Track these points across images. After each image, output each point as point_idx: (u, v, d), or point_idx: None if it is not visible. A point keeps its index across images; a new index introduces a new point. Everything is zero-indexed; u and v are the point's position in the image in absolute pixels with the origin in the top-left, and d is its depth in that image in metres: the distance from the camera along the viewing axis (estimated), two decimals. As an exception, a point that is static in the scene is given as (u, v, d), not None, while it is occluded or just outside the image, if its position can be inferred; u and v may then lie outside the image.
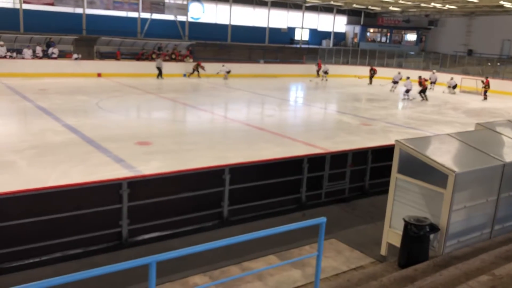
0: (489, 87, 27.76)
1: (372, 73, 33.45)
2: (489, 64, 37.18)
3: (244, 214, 7.93)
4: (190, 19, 40.58)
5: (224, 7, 43.35)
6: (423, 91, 25.89)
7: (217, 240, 3.77)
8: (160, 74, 28.51)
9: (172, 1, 38.48)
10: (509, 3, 34.43)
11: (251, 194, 8.04)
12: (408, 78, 26.50)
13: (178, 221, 7.24)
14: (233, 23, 43.60)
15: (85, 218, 6.46)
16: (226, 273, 5.86)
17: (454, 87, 30.47)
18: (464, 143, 6.54)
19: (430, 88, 29.57)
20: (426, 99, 25.56)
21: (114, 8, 36.00)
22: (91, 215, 6.49)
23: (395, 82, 29.85)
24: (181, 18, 39.50)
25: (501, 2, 34.04)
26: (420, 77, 26.66)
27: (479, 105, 25.33)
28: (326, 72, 33.55)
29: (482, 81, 28.53)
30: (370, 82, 33.07)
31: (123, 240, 6.74)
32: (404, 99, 25.75)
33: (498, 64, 37.20)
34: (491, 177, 6.06)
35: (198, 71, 30.68)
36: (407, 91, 25.82)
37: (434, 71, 32.50)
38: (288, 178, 8.54)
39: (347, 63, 39.79)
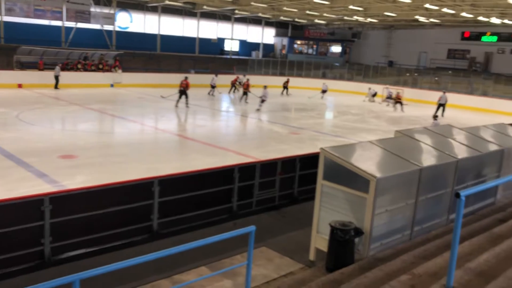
0: (400, 100, 28.21)
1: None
2: (407, 74, 39.49)
3: (175, 226, 7.82)
4: (117, 29, 39.60)
5: (152, 17, 42.76)
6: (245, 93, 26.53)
7: (145, 255, 3.71)
8: (57, 83, 27.19)
9: (98, 10, 37.37)
10: (424, 18, 36.87)
11: (182, 206, 7.95)
12: (265, 86, 24.70)
13: (106, 236, 7.00)
14: (163, 33, 43.12)
15: (3, 237, 6.07)
16: (156, 287, 5.75)
17: (374, 95, 32.25)
18: (385, 150, 6.89)
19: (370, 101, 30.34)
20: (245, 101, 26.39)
21: (36, 16, 34.32)
22: (10, 234, 6.11)
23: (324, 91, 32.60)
24: (108, 27, 38.45)
25: (416, 17, 36.36)
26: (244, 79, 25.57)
27: (399, 113, 26.78)
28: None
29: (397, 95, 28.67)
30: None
31: (46, 259, 6.41)
32: (259, 109, 23.90)
33: (416, 74, 39.64)
34: (409, 181, 6.42)
35: (287, 88, 33.38)
36: (263, 101, 24.08)
37: (444, 91, 27.76)
38: (220, 188, 8.56)
39: (276, 74, 40.63)
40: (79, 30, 36.90)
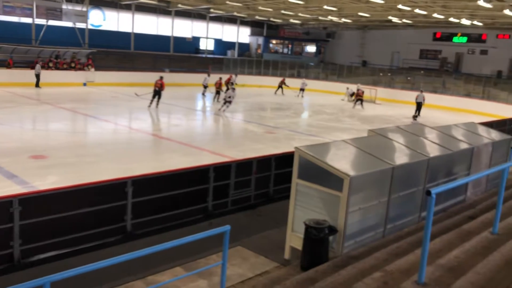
0: (361, 97, 28.80)
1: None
2: (381, 74, 40.04)
3: (149, 227, 7.74)
4: (90, 27, 38.92)
5: (126, 15, 42.16)
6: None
7: (119, 256, 3.65)
8: (38, 82, 26.91)
9: (70, 8, 36.62)
10: (397, 19, 37.45)
11: (156, 206, 7.88)
12: (233, 89, 23.99)
13: (78, 237, 6.88)
14: (137, 31, 42.57)
15: (-30, 241, 5.91)
16: (130, 288, 5.69)
17: (352, 95, 32.59)
18: (358, 149, 6.98)
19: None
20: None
21: (5, 13, 33.40)
22: (-22, 237, 5.96)
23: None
24: (80, 25, 37.72)
25: (390, 18, 36.89)
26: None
27: (373, 112, 27.14)
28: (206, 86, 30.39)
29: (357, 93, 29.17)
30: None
31: (15, 262, 6.25)
32: (219, 109, 22.95)
33: (389, 74, 40.23)
34: (382, 179, 6.51)
35: (282, 87, 34.21)
36: (226, 102, 22.83)
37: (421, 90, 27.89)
38: (195, 188, 8.51)
39: (251, 73, 40.65)
40: (50, 27, 36.07)
